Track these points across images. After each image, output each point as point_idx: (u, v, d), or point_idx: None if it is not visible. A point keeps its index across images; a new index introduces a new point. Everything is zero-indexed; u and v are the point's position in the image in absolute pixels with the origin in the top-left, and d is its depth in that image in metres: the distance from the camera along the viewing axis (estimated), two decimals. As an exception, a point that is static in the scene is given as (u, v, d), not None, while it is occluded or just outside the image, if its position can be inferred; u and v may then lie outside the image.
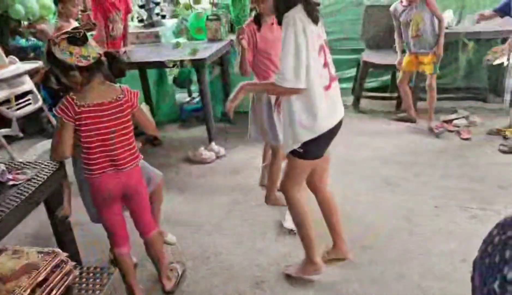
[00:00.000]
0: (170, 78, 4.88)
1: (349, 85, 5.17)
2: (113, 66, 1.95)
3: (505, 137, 3.87)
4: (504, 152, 3.71)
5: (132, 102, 1.98)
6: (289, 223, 2.86)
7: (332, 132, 2.12)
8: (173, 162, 4.01)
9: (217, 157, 3.99)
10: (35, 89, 4.23)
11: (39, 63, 4.36)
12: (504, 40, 4.36)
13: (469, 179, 3.34)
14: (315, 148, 2.12)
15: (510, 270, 0.52)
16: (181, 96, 5.35)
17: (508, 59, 3.89)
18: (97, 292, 1.17)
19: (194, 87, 5.15)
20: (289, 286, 2.38)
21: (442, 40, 3.99)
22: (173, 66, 3.78)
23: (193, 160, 3.96)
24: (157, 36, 4.70)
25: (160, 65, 4.30)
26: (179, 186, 3.57)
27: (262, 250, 2.71)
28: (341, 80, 3.39)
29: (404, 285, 2.32)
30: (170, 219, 3.08)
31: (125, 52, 4.14)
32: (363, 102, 4.97)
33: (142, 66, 4.33)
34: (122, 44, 4.20)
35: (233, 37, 3.81)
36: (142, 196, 2.16)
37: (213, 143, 4.05)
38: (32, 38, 4.91)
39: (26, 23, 4.93)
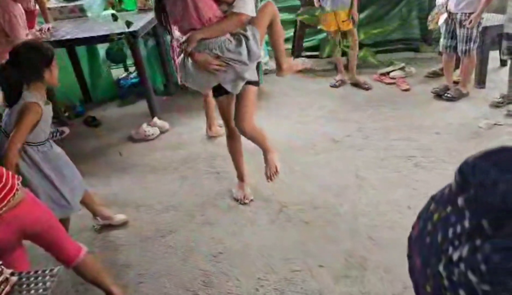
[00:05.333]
0: (102, 53, 4.61)
1: (288, 45, 5.13)
2: None
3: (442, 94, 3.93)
4: (436, 94, 3.90)
5: None
6: (238, 193, 2.84)
7: None
8: (115, 142, 3.85)
9: (161, 132, 3.86)
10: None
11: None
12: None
13: (408, 128, 3.46)
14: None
15: (454, 250, 0.47)
16: (118, 72, 5.09)
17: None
18: (41, 296, 1.10)
19: (130, 61, 4.91)
20: (246, 255, 2.39)
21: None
22: (119, 39, 3.58)
23: (136, 138, 3.81)
24: (82, 9, 4.38)
25: (92, 42, 4.05)
26: (124, 167, 3.44)
27: (216, 222, 2.69)
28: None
29: (357, 239, 2.41)
30: (118, 201, 2.99)
31: (48, 29, 3.85)
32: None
33: (70, 44, 4.05)
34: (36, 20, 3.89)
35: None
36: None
37: (155, 119, 3.91)
38: None
39: None
